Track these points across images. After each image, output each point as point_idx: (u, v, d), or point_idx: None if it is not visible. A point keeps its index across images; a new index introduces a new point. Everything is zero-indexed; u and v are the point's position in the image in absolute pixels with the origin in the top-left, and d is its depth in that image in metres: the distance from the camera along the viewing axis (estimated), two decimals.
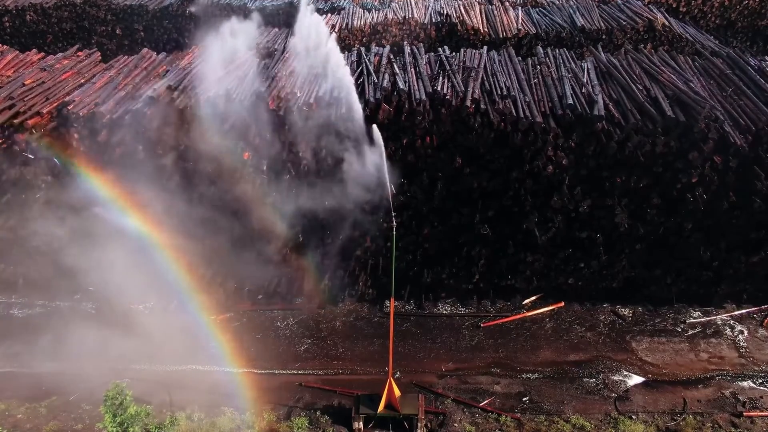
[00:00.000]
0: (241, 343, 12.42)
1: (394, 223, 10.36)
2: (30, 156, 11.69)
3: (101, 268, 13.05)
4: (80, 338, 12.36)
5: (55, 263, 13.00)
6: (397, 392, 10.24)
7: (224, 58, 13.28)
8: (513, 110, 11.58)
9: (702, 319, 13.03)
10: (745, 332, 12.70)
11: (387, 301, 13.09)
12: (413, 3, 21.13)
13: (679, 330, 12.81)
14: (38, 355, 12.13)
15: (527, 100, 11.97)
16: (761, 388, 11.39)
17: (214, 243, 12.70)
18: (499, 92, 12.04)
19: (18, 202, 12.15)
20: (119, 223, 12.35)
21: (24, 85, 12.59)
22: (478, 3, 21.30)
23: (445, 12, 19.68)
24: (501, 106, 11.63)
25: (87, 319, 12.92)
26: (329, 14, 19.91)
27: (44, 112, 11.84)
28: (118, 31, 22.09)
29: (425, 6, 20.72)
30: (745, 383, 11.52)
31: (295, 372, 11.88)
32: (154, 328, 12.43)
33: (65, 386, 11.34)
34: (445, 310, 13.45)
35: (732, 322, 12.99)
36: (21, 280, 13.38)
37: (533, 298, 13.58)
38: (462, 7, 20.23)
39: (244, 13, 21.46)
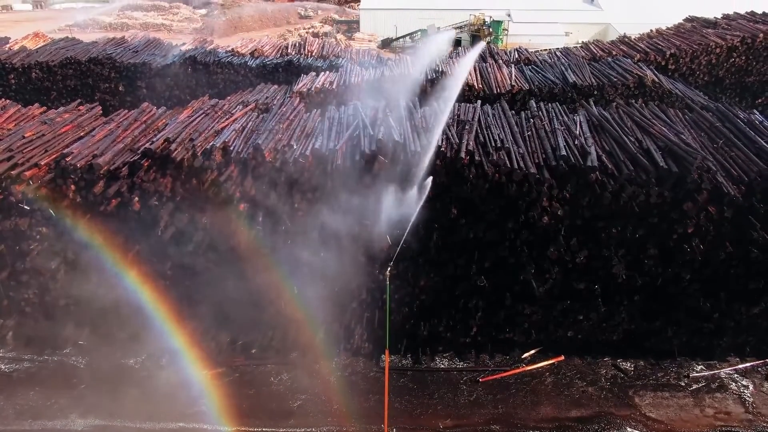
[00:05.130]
0: (233, 399, 12.05)
1: (389, 274, 10.31)
2: (26, 207, 11.68)
3: (92, 322, 12.90)
4: (67, 394, 12.06)
5: (46, 316, 12.84)
6: None
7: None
8: (507, 161, 11.69)
9: (705, 373, 12.73)
10: (751, 386, 12.38)
11: (383, 356, 12.80)
12: (408, 61, 21.76)
13: (683, 384, 12.49)
14: (23, 412, 11.75)
15: (521, 151, 12.11)
16: None
17: (207, 295, 12.56)
18: (494, 144, 12.19)
19: (11, 254, 12.07)
20: (112, 276, 12.26)
21: (24, 137, 12.74)
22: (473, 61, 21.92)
23: (440, 69, 20.21)
24: (495, 158, 11.75)
25: (76, 375, 12.60)
26: (327, 71, 20.41)
27: (42, 163, 11.94)
28: (121, 88, 22.64)
29: (421, 64, 21.29)
30: None
31: (288, 429, 11.48)
32: (144, 384, 12.13)
33: None
34: (443, 364, 13.15)
35: (736, 376, 12.69)
36: (10, 333, 13.14)
37: (532, 351, 13.30)
38: (457, 65, 20.80)
39: (245, 70, 22.10)
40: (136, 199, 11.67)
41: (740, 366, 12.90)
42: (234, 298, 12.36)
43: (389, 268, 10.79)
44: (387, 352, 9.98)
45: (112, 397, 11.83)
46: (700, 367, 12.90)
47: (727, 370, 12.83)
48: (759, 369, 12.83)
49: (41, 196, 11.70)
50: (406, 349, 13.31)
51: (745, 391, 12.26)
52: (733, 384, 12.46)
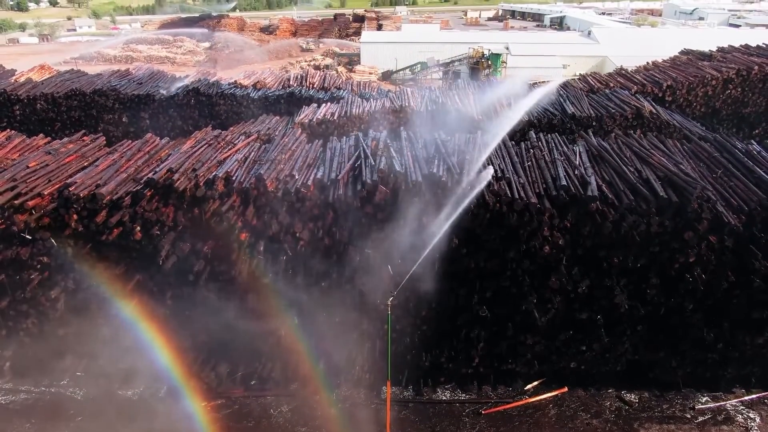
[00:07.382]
0: (232, 431, 11.89)
1: (390, 304, 10.25)
2: (27, 237, 11.69)
3: (91, 352, 12.78)
4: (64, 426, 11.89)
5: (45, 347, 12.71)
6: None
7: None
8: (508, 191, 11.75)
9: (711, 405, 12.56)
10: (758, 419, 12.19)
11: (384, 387, 12.65)
12: (409, 93, 22.05)
13: (689, 417, 12.31)
14: None
15: (521, 181, 12.18)
16: None
17: (207, 326, 12.47)
18: (494, 174, 12.25)
19: (11, 283, 12.03)
20: (112, 305, 12.20)
21: (28, 167, 12.83)
22: (471, 93, 22.22)
23: (440, 101, 20.45)
24: (496, 188, 11.80)
25: (73, 406, 12.44)
26: (329, 103, 20.66)
27: (45, 193, 11.99)
28: (124, 119, 22.88)
29: (421, 95, 21.59)
30: None
31: None
32: (142, 416, 11.96)
33: None
34: (445, 395, 12.99)
35: (742, 407, 12.52)
36: (8, 364, 13.00)
37: (535, 383, 13.16)
38: (456, 96, 21.09)
39: (247, 101, 22.36)
40: (138, 228, 11.69)
41: (746, 398, 12.73)
42: (234, 328, 12.27)
43: (391, 298, 10.74)
44: (389, 383, 9.87)
45: (110, 429, 11.66)
46: (705, 399, 12.74)
47: (733, 401, 12.66)
48: (765, 400, 12.66)
49: (43, 226, 11.72)
50: (408, 381, 13.17)
51: (752, 423, 12.08)
52: (740, 416, 12.28)
